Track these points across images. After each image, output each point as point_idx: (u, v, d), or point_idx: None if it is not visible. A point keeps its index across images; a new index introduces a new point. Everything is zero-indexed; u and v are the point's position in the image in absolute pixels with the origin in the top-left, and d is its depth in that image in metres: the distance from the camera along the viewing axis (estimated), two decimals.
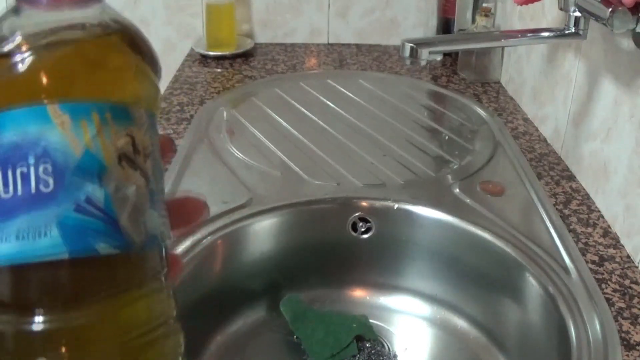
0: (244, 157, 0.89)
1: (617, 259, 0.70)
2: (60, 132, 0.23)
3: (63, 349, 0.23)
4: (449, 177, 0.85)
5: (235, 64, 1.28)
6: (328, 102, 1.09)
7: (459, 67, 1.26)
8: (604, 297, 0.64)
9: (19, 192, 0.23)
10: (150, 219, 0.25)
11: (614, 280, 0.67)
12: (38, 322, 0.23)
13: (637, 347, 0.58)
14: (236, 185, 0.82)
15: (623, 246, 0.73)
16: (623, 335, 0.60)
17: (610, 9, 0.67)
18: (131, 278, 0.25)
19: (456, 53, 1.29)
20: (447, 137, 1.00)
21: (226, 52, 1.30)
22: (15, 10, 0.25)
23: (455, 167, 0.89)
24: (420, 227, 0.79)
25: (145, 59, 0.26)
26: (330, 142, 0.95)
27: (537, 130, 1.02)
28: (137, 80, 0.26)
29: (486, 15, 1.15)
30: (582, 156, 0.85)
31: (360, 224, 0.80)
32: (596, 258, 0.70)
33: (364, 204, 0.80)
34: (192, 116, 1.02)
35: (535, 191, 0.82)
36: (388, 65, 1.30)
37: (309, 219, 0.80)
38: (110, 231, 0.24)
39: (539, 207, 0.78)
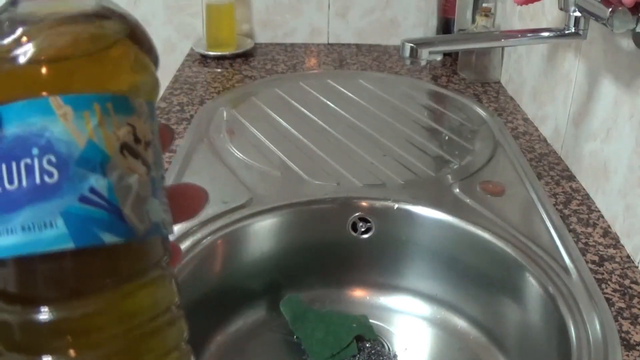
0: (244, 157, 0.89)
1: (617, 259, 0.70)
2: (63, 124, 0.23)
3: (68, 338, 0.23)
4: (449, 177, 0.85)
5: (235, 64, 1.28)
6: (328, 102, 1.09)
7: (459, 67, 1.26)
8: (604, 297, 0.64)
9: (24, 183, 0.23)
10: (152, 207, 0.26)
11: (614, 280, 0.67)
12: (43, 312, 0.23)
13: (637, 347, 0.58)
14: (236, 185, 0.82)
15: (623, 246, 0.73)
16: (623, 335, 0.60)
17: (610, 9, 0.67)
18: (134, 266, 0.25)
19: (456, 53, 1.29)
20: (447, 137, 1.00)
21: (226, 52, 1.30)
22: (12, 2, 0.25)
23: (455, 167, 0.89)
24: (420, 227, 0.79)
25: (144, 49, 0.26)
26: (330, 142, 0.95)
27: (537, 130, 1.02)
28: (137, 71, 0.26)
29: (486, 15, 1.15)
30: (582, 156, 0.85)
31: (360, 224, 0.80)
32: (596, 258, 0.70)
33: (364, 204, 0.80)
34: (192, 116, 1.02)
35: (535, 191, 0.82)
36: (388, 65, 1.30)
37: (309, 219, 0.80)
38: (115, 220, 0.24)
39: (539, 207, 0.78)
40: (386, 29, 1.42)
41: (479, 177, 0.85)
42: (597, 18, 0.70)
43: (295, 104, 1.08)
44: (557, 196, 0.82)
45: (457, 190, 0.82)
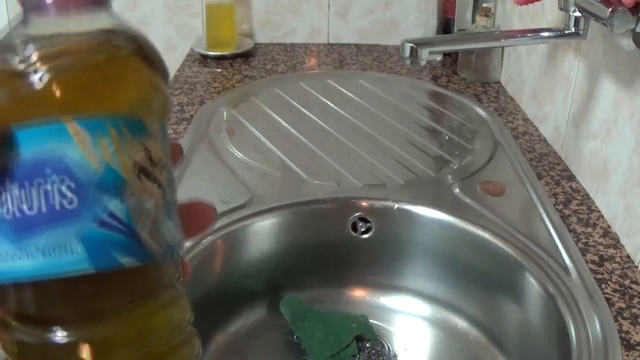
0: (244, 157, 0.89)
1: (617, 259, 0.70)
2: (80, 149, 0.24)
3: (85, 358, 0.24)
4: (449, 177, 0.85)
5: (235, 64, 1.28)
6: (328, 102, 1.09)
7: (459, 67, 1.26)
8: (604, 297, 0.64)
9: (43, 209, 0.23)
10: (167, 229, 0.26)
11: (614, 280, 0.67)
12: (61, 334, 0.24)
13: (637, 347, 0.58)
14: (236, 185, 0.82)
15: (623, 246, 0.73)
16: (623, 335, 0.60)
17: (610, 9, 0.67)
18: (150, 287, 0.26)
19: (456, 53, 1.29)
20: (447, 137, 1.00)
21: (226, 52, 1.30)
22: (23, 22, 0.25)
23: (455, 167, 0.89)
24: (420, 227, 0.79)
25: (157, 70, 0.27)
26: (330, 142, 0.95)
27: (537, 130, 1.02)
28: (151, 93, 0.26)
29: (486, 15, 1.15)
30: (582, 156, 0.85)
31: (360, 224, 0.80)
32: (596, 258, 0.70)
33: (364, 204, 0.80)
34: (192, 116, 1.02)
35: (535, 191, 0.82)
36: (388, 65, 1.30)
37: (309, 219, 0.80)
38: (133, 244, 0.24)
39: (539, 207, 0.78)
40: (386, 29, 1.42)
41: (479, 177, 0.85)
42: (597, 18, 0.70)
43: (295, 104, 1.08)
44: (557, 196, 0.82)
45: (457, 190, 0.82)
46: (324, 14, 1.41)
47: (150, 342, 0.25)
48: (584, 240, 0.73)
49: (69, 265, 0.23)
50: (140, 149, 0.25)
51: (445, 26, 1.32)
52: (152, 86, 0.26)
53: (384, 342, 0.76)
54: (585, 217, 0.78)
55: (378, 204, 0.80)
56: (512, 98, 1.15)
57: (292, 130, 0.98)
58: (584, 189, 0.84)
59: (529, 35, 0.85)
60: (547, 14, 0.99)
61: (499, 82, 1.22)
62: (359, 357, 0.74)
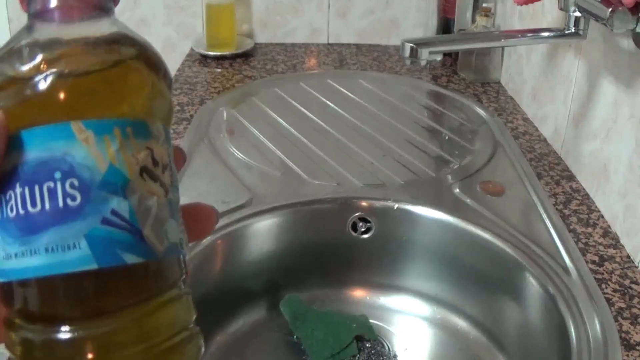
0: (244, 157, 0.89)
1: (617, 259, 0.70)
2: (85, 148, 0.24)
3: (89, 356, 0.24)
4: (449, 177, 0.85)
5: (235, 64, 1.28)
6: (328, 102, 1.09)
7: (459, 67, 1.26)
8: (604, 297, 0.64)
9: (47, 207, 0.24)
10: (171, 228, 0.26)
11: (614, 280, 0.67)
12: (65, 331, 0.24)
13: (637, 347, 0.58)
14: (236, 185, 0.82)
15: (623, 246, 0.73)
16: (623, 335, 0.60)
17: (610, 9, 0.67)
18: (154, 286, 0.26)
19: (456, 53, 1.29)
20: (447, 137, 1.00)
21: (226, 52, 1.30)
22: (28, 28, 0.26)
23: (455, 167, 0.89)
24: (420, 227, 0.79)
25: (160, 74, 0.27)
26: (330, 142, 0.95)
27: (537, 130, 1.02)
28: (154, 96, 0.27)
29: (486, 15, 1.15)
30: (582, 156, 0.86)
31: (360, 224, 0.80)
32: (596, 258, 0.70)
33: (364, 204, 0.80)
34: (192, 116, 1.02)
35: (535, 191, 0.82)
36: (388, 65, 1.30)
37: (309, 219, 0.80)
38: (136, 242, 0.25)
39: (539, 207, 0.78)
40: (386, 29, 1.42)
41: (479, 177, 0.85)
42: (597, 18, 0.70)
43: (295, 104, 1.08)
44: (557, 196, 0.82)
45: (457, 190, 0.82)
46: (324, 14, 1.41)
47: (154, 340, 0.25)
48: (584, 240, 0.73)
49: (73, 263, 0.24)
50: (143, 149, 0.26)
51: (445, 26, 1.32)
52: (155, 90, 0.27)
53: (384, 342, 0.76)
54: (585, 217, 0.78)
55: (378, 204, 0.80)
56: (512, 98, 1.15)
57: (292, 130, 0.98)
58: (584, 189, 0.84)
59: (529, 35, 0.85)
60: (547, 14, 0.99)
61: (499, 82, 1.22)
62: (359, 357, 0.74)
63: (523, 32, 0.88)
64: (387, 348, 0.76)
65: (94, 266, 0.24)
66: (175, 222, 0.27)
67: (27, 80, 0.24)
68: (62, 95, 0.24)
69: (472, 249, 0.75)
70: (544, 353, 0.67)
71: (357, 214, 0.80)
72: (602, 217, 0.78)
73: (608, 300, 0.64)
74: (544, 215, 0.77)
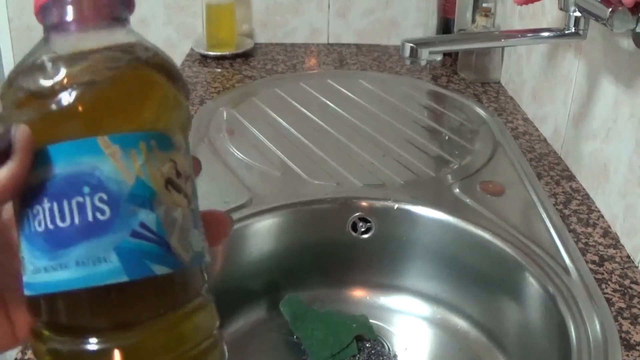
0: (244, 157, 0.89)
1: (617, 259, 0.70)
2: (112, 163, 0.24)
3: None
4: (449, 177, 0.85)
5: (235, 64, 1.28)
6: (328, 102, 1.09)
7: (459, 67, 1.26)
8: (604, 297, 0.64)
9: (76, 221, 0.24)
10: (194, 237, 0.27)
11: (614, 280, 0.67)
12: (94, 342, 0.24)
13: (637, 347, 0.58)
14: (236, 185, 0.82)
15: (623, 246, 0.73)
16: (623, 335, 0.60)
17: (610, 9, 0.67)
18: (180, 295, 0.26)
19: (456, 53, 1.29)
20: (447, 137, 1.00)
21: (226, 52, 1.30)
22: (45, 40, 0.26)
23: (455, 167, 0.89)
24: (420, 227, 0.79)
25: (179, 85, 0.27)
26: (330, 142, 0.95)
27: (537, 130, 1.02)
28: (175, 108, 0.27)
29: (486, 15, 1.15)
30: (582, 156, 0.86)
31: (360, 224, 0.80)
32: (596, 258, 0.70)
33: (364, 204, 0.80)
34: (192, 116, 1.02)
35: (535, 191, 0.82)
36: (388, 65, 1.30)
37: (309, 219, 0.80)
38: (164, 253, 0.25)
39: (539, 207, 0.78)
40: (386, 29, 1.42)
41: (479, 177, 0.85)
42: (597, 18, 0.70)
43: (295, 104, 1.08)
44: (557, 196, 0.82)
45: (457, 190, 0.82)
46: (324, 14, 1.41)
47: (180, 348, 0.25)
48: (584, 240, 0.73)
49: (104, 276, 0.24)
50: (167, 161, 0.26)
51: (445, 26, 1.32)
52: (176, 101, 0.27)
53: (384, 342, 0.76)
54: (585, 217, 0.78)
55: (378, 204, 0.80)
56: (512, 98, 1.15)
57: (292, 130, 0.98)
58: (584, 189, 0.84)
59: (529, 35, 0.85)
60: (547, 14, 0.99)
61: (499, 82, 1.22)
62: (359, 357, 0.74)
63: (523, 32, 0.88)
64: (387, 348, 0.76)
65: (124, 278, 0.24)
66: (197, 232, 0.27)
67: (51, 95, 0.24)
68: (87, 110, 0.24)
69: (472, 249, 0.75)
70: (544, 353, 0.67)
71: (357, 214, 0.80)
72: (602, 217, 0.78)
73: (608, 300, 0.64)
74: (544, 215, 0.77)
